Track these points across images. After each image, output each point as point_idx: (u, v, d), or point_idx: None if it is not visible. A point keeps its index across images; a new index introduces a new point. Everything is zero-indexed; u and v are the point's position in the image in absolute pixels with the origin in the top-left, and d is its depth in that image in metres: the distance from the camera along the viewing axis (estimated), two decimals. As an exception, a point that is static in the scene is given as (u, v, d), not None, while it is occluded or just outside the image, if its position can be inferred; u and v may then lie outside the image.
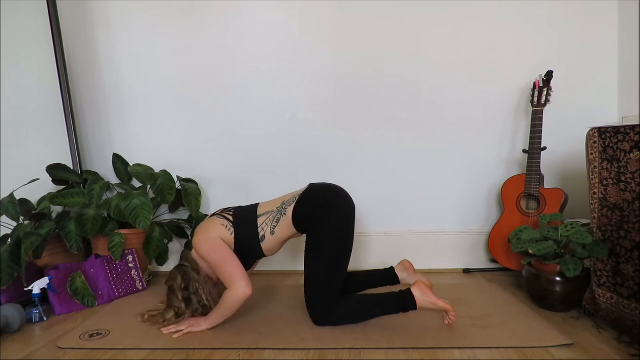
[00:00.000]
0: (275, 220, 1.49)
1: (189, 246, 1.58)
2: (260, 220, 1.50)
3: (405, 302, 1.43)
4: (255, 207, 1.55)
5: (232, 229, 1.48)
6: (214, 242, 1.45)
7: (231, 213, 1.53)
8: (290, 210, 1.47)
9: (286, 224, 1.48)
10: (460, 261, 2.14)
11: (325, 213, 1.44)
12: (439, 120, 2.09)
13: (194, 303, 1.48)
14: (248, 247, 1.50)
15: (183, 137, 2.16)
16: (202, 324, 1.44)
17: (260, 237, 1.49)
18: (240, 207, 1.58)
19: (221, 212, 1.54)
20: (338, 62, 2.07)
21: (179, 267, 1.51)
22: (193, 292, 1.47)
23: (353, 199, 1.53)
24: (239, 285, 1.39)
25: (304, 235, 1.51)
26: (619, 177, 1.37)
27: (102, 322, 1.57)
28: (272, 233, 1.49)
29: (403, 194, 2.14)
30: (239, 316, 1.56)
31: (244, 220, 1.51)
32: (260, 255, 1.54)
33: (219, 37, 2.09)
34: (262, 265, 1.89)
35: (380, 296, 1.48)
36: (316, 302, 1.46)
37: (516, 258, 1.92)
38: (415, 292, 1.42)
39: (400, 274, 1.64)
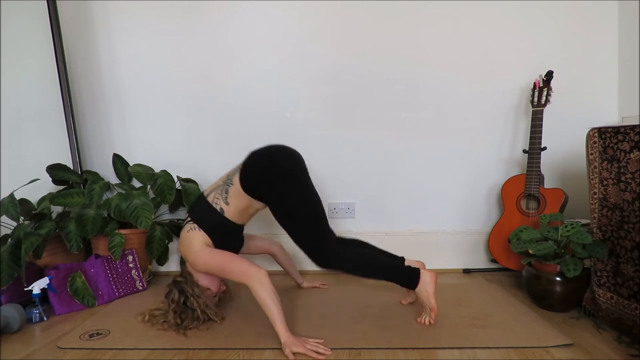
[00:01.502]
0: (224, 192, 1.50)
1: (182, 261, 1.59)
2: (210, 198, 1.52)
3: (410, 277, 1.47)
4: (202, 193, 1.58)
5: (199, 227, 1.49)
6: (203, 254, 1.45)
7: (189, 217, 1.54)
8: (236, 179, 1.48)
9: (237, 193, 1.48)
10: (460, 261, 2.14)
11: (270, 168, 1.45)
12: (439, 120, 2.09)
13: (190, 317, 1.47)
14: (220, 228, 1.51)
15: (183, 137, 2.16)
16: (283, 337, 1.30)
17: (218, 210, 1.50)
18: (191, 206, 1.59)
19: (185, 223, 1.54)
20: (338, 63, 2.07)
21: (175, 283, 1.51)
22: (190, 306, 1.47)
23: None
24: (252, 274, 1.35)
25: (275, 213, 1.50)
26: (619, 177, 1.37)
27: (102, 322, 1.57)
28: (227, 203, 1.49)
29: (403, 193, 2.14)
30: (239, 316, 1.56)
31: (199, 211, 1.52)
32: (235, 227, 1.54)
33: (219, 37, 2.09)
34: (262, 266, 1.88)
35: (390, 261, 1.52)
36: (310, 244, 1.46)
37: (516, 258, 1.92)
38: (424, 275, 1.47)
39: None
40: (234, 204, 1.50)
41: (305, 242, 1.47)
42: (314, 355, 1.25)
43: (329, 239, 1.50)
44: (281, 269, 1.90)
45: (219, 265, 1.43)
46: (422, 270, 1.49)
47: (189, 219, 1.54)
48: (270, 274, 1.75)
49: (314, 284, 1.91)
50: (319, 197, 1.51)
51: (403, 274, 1.49)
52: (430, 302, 1.46)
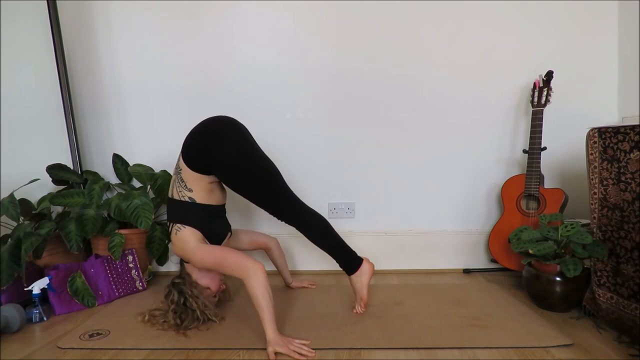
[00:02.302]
0: (179, 180, 1.51)
1: (181, 261, 1.59)
2: (175, 194, 1.53)
3: (353, 262, 1.59)
4: (168, 197, 1.59)
5: (184, 225, 1.49)
6: (199, 250, 1.46)
7: (169, 221, 1.55)
8: (182, 163, 1.50)
9: (190, 175, 1.49)
10: (460, 261, 2.14)
11: (202, 138, 1.47)
12: (439, 120, 2.09)
13: (190, 317, 1.47)
14: (202, 216, 1.51)
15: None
16: (269, 335, 1.29)
17: (189, 200, 1.50)
18: (167, 212, 1.61)
19: (171, 229, 1.54)
20: (338, 62, 2.07)
21: (174, 285, 1.52)
22: (189, 307, 1.47)
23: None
24: (248, 268, 1.34)
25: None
26: (619, 177, 1.37)
27: (102, 322, 1.57)
28: (190, 190, 1.50)
29: (403, 193, 2.14)
30: (239, 316, 1.56)
31: (174, 211, 1.53)
32: (214, 208, 1.55)
33: (220, 37, 2.09)
34: (267, 265, 1.88)
35: (342, 240, 1.61)
36: (270, 202, 1.52)
37: (516, 258, 1.92)
38: (364, 266, 1.60)
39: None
40: (195, 186, 1.50)
41: (264, 201, 1.52)
42: (296, 356, 1.25)
43: (289, 197, 1.54)
44: (273, 268, 1.89)
45: (215, 260, 1.43)
46: (364, 261, 1.60)
47: (170, 222, 1.54)
48: (270, 274, 1.74)
49: (302, 284, 1.91)
50: (266, 157, 1.55)
51: (349, 256, 1.60)
52: (362, 292, 1.57)
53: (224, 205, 1.64)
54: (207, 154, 1.46)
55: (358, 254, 1.62)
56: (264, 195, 1.52)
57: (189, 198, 1.50)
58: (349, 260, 1.59)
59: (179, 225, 1.50)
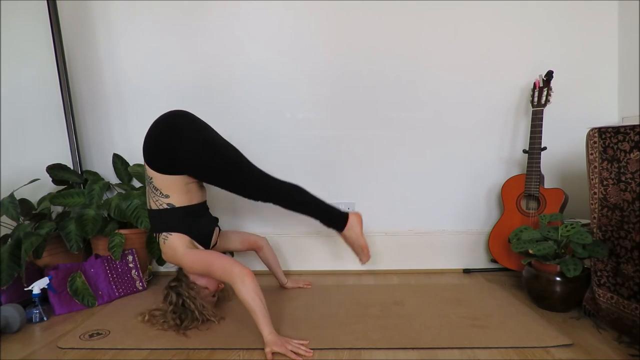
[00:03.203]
0: (153, 190, 1.49)
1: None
2: (152, 204, 1.51)
3: (339, 219, 1.59)
4: (147, 210, 1.59)
5: (170, 232, 1.48)
6: (188, 256, 1.46)
7: (155, 232, 1.54)
8: (150, 172, 1.48)
9: (163, 181, 1.46)
10: (460, 261, 2.14)
11: (169, 141, 1.44)
12: (439, 120, 2.08)
13: (189, 318, 1.47)
14: (185, 219, 1.50)
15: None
16: (266, 336, 1.29)
17: (167, 206, 1.48)
18: (149, 224, 1.61)
19: (158, 238, 1.53)
20: (338, 62, 2.07)
21: (170, 287, 1.52)
22: (188, 308, 1.48)
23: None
24: (235, 274, 1.34)
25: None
26: (619, 177, 1.37)
27: (102, 322, 1.57)
28: (167, 196, 1.47)
29: (403, 193, 2.14)
30: (238, 316, 1.56)
31: (157, 221, 1.51)
32: (195, 207, 1.54)
33: (220, 37, 2.08)
34: (261, 266, 1.89)
35: (322, 201, 1.59)
36: (250, 188, 1.52)
37: (516, 258, 1.92)
38: (351, 219, 1.59)
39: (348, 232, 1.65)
40: (171, 191, 1.47)
41: (241, 185, 1.51)
42: (293, 356, 1.25)
43: (261, 174, 1.53)
44: (266, 269, 1.89)
45: (203, 266, 1.43)
46: (350, 215, 1.59)
47: (159, 232, 1.52)
48: (270, 274, 1.73)
49: (298, 284, 1.90)
50: (226, 141, 1.55)
51: (333, 214, 1.58)
52: (360, 242, 1.56)
53: (204, 203, 1.62)
54: (173, 156, 1.44)
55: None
56: (239, 179, 1.50)
57: (167, 204, 1.48)
58: (334, 218, 1.58)
59: (165, 234, 1.49)
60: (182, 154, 1.44)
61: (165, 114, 1.52)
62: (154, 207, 1.51)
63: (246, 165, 1.53)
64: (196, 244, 1.53)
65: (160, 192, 1.48)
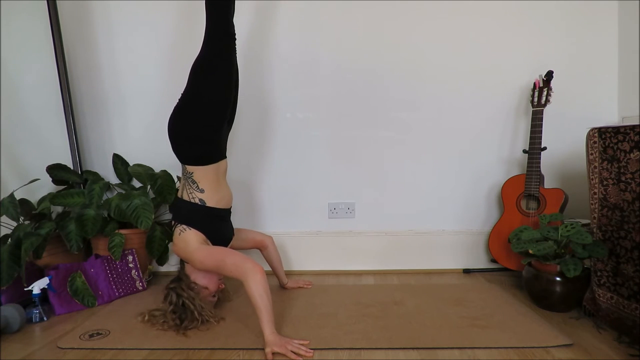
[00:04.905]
0: (190, 183, 1.53)
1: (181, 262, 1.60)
2: (185, 195, 1.54)
3: None
4: (177, 196, 1.62)
5: (189, 227, 1.50)
6: (199, 252, 1.47)
7: (175, 220, 1.56)
8: (190, 167, 1.52)
9: (203, 175, 1.52)
10: (460, 261, 2.14)
11: (176, 133, 1.53)
12: (439, 120, 2.08)
13: (189, 318, 1.47)
14: (208, 220, 1.53)
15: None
16: (267, 336, 1.29)
17: (199, 202, 1.52)
18: (172, 210, 1.64)
19: (174, 228, 1.55)
20: (338, 63, 2.07)
21: (171, 288, 1.52)
22: (187, 308, 1.47)
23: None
24: (247, 270, 1.35)
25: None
26: (619, 177, 1.37)
27: (102, 322, 1.57)
28: (202, 190, 1.52)
29: (403, 193, 2.14)
30: (238, 316, 1.56)
31: (182, 212, 1.54)
32: (221, 212, 1.57)
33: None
34: (263, 265, 1.89)
35: None
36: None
37: (516, 258, 1.92)
38: None
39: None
40: (207, 186, 1.52)
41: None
42: (293, 356, 1.25)
43: None
44: (268, 268, 1.89)
45: (215, 261, 1.44)
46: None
47: (176, 222, 1.54)
48: (269, 274, 1.72)
49: (298, 284, 1.91)
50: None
51: None
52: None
53: (230, 209, 1.66)
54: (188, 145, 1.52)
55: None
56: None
57: (200, 200, 1.52)
58: None
59: (183, 226, 1.51)
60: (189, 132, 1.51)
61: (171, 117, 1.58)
62: (185, 198, 1.54)
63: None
64: (209, 242, 1.54)
65: (197, 186, 1.52)
